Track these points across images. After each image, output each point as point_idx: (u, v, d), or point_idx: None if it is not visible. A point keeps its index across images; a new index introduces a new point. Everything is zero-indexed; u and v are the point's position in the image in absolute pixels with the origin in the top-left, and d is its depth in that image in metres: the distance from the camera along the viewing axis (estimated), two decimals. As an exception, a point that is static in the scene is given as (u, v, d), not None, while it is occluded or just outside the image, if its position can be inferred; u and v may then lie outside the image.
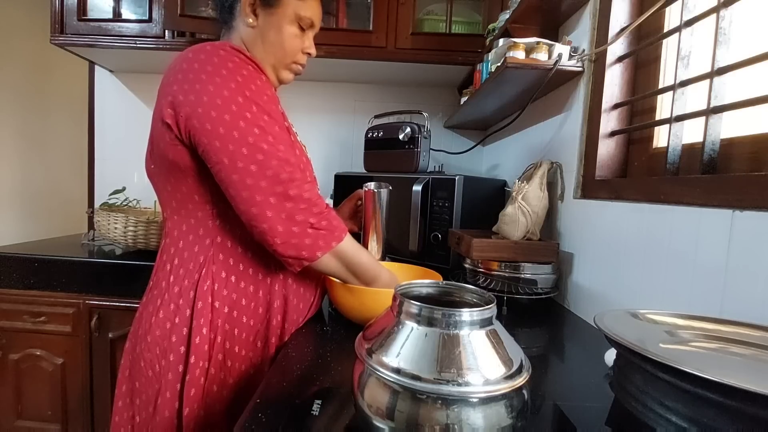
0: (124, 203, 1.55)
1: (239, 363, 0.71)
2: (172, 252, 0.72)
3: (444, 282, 0.48)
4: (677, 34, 0.72)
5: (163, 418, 0.66)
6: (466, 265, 0.98)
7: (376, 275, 0.73)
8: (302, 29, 0.77)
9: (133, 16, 1.50)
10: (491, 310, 0.39)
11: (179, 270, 0.70)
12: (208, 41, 0.71)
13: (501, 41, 1.01)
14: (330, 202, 1.42)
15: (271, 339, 0.73)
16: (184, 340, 0.67)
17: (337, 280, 0.77)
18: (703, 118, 0.65)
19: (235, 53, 0.67)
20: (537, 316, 0.88)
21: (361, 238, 0.94)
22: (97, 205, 1.66)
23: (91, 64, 1.78)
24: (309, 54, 0.81)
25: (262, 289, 0.72)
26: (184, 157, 0.67)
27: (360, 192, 0.98)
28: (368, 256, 0.74)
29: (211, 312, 0.68)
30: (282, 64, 0.78)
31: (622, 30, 0.84)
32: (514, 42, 0.93)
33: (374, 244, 0.94)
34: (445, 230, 1.16)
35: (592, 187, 0.90)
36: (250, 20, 0.74)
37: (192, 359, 0.66)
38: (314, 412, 0.45)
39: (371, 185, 0.93)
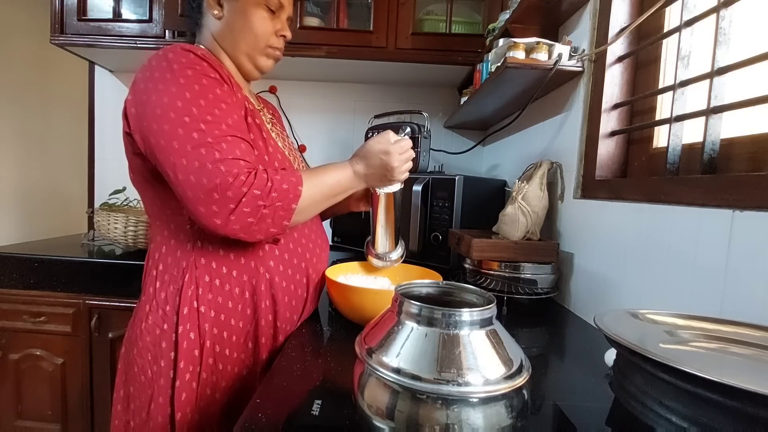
0: (124, 203, 1.55)
1: (231, 366, 0.71)
2: (156, 257, 0.72)
3: (444, 282, 0.48)
4: (677, 34, 0.72)
5: (157, 424, 0.66)
6: (466, 265, 0.98)
7: (349, 176, 0.73)
8: (272, 11, 0.76)
9: (133, 16, 1.50)
10: (491, 310, 0.39)
11: (164, 276, 0.70)
12: None
13: (501, 41, 1.01)
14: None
15: (261, 339, 0.72)
16: (173, 346, 0.67)
17: (338, 280, 0.77)
18: (703, 118, 0.65)
19: (184, 54, 0.65)
20: (537, 316, 0.88)
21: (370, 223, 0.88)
22: (97, 205, 1.67)
23: (91, 64, 1.78)
24: (284, 36, 0.79)
25: (247, 290, 0.71)
26: (151, 166, 0.67)
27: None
28: (330, 174, 0.71)
29: (197, 317, 0.67)
30: (256, 50, 0.76)
31: (622, 30, 0.84)
32: (514, 42, 0.93)
33: (385, 240, 0.87)
34: (445, 230, 1.16)
35: (592, 187, 0.90)
36: (216, 12, 0.73)
37: (181, 364, 0.66)
38: (314, 412, 0.45)
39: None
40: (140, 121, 0.63)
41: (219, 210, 0.60)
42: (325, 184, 0.70)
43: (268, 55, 0.79)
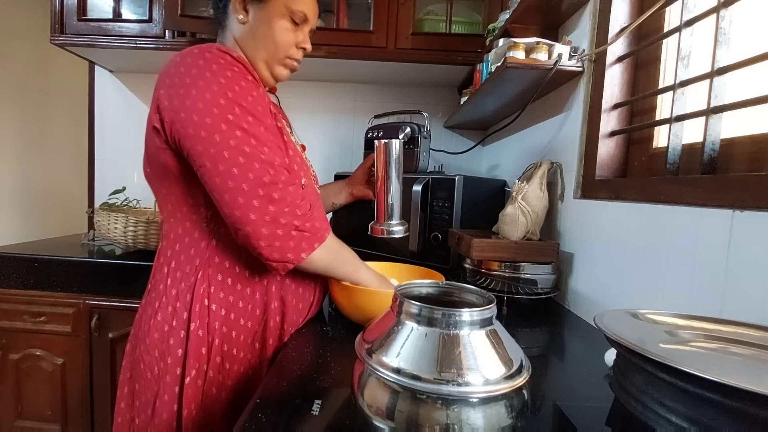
0: (124, 203, 1.55)
1: (237, 365, 0.71)
2: (169, 255, 0.72)
3: (444, 282, 0.48)
4: (677, 34, 0.72)
5: (162, 421, 0.66)
6: (466, 265, 0.98)
7: (356, 268, 0.75)
8: (295, 23, 0.76)
9: (133, 16, 1.50)
10: (491, 310, 0.39)
11: (176, 273, 0.70)
12: (209, 41, 0.72)
13: (501, 41, 1.01)
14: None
15: (269, 340, 0.73)
16: (181, 342, 0.67)
17: (338, 281, 0.77)
18: (703, 118, 0.65)
19: (221, 55, 0.66)
20: (537, 316, 0.88)
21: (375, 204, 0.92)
22: (97, 205, 1.66)
23: (91, 64, 1.78)
24: (304, 49, 0.79)
25: (258, 290, 0.72)
26: (174, 161, 0.67)
27: (373, 156, 0.94)
28: (349, 251, 0.75)
29: (207, 315, 0.68)
30: (275, 59, 0.77)
31: (622, 30, 0.84)
32: (514, 42, 0.93)
33: (389, 204, 0.90)
34: (445, 230, 1.16)
35: (592, 187, 0.90)
36: (241, 16, 0.74)
37: (189, 362, 0.66)
38: (314, 412, 0.45)
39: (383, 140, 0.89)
40: (177, 112, 0.63)
41: (259, 206, 0.61)
42: (343, 251, 0.73)
43: (286, 65, 0.79)
